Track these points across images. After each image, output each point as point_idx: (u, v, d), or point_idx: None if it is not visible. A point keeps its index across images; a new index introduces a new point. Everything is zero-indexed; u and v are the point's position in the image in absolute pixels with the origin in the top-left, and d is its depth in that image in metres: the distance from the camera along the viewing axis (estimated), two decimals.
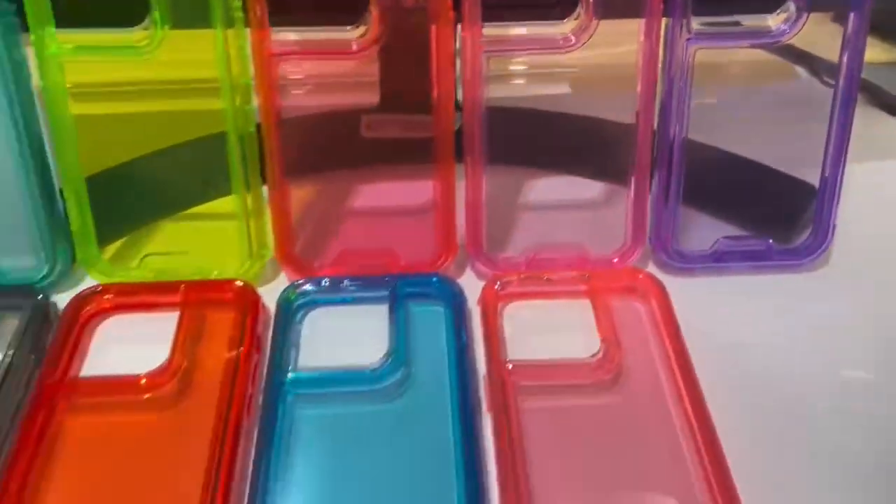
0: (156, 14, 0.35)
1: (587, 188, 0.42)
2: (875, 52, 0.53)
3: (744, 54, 0.39)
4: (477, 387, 0.34)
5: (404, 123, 0.43)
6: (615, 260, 0.39)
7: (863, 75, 0.37)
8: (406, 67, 0.38)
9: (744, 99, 0.42)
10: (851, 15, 0.36)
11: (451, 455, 0.31)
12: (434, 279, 0.38)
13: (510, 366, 0.34)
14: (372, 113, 0.44)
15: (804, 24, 0.36)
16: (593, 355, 0.34)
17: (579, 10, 0.36)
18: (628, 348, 0.35)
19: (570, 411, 0.33)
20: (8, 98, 0.36)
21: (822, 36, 0.39)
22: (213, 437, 0.32)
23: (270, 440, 0.32)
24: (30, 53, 0.36)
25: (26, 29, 0.35)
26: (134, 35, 0.35)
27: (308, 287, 0.38)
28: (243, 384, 0.34)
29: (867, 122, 0.45)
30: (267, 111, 0.36)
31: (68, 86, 0.35)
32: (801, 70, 0.46)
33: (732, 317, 0.38)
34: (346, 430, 0.33)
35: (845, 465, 0.32)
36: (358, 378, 0.34)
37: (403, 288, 0.38)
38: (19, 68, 0.36)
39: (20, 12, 0.35)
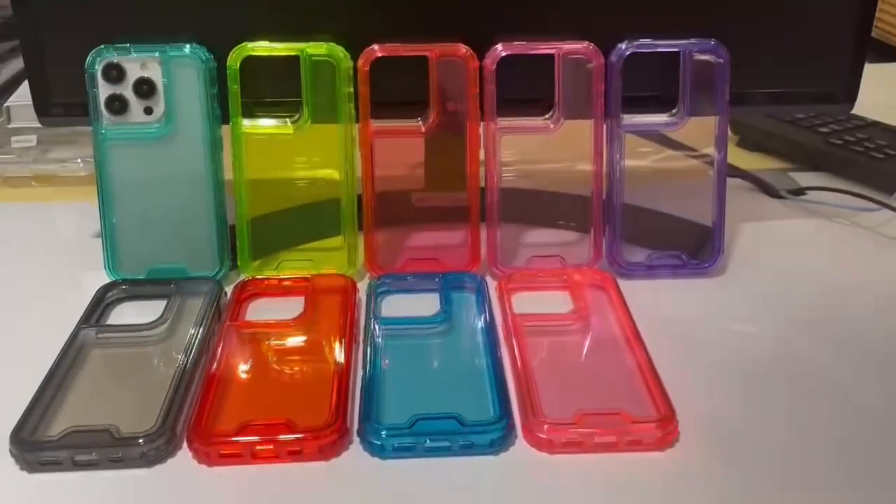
0: (305, 112, 0.59)
1: (564, 231, 0.66)
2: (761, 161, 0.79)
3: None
4: (496, 332, 0.54)
5: (441, 198, 0.66)
6: (584, 267, 0.61)
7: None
8: (451, 153, 0.61)
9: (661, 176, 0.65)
10: (717, 120, 0.59)
11: (484, 372, 0.52)
12: (467, 276, 0.60)
13: (518, 316, 0.55)
14: (419, 191, 0.67)
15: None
16: (570, 311, 0.55)
17: (553, 111, 0.60)
18: (593, 311, 0.56)
19: (557, 343, 0.54)
20: (211, 163, 0.59)
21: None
22: (334, 359, 0.52)
23: (370, 360, 0.52)
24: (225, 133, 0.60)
25: (225, 120, 0.59)
26: (289, 125, 0.59)
27: (384, 280, 0.60)
28: (350, 334, 0.54)
29: (754, 200, 0.71)
30: (367, 175, 0.59)
31: (246, 155, 0.59)
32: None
33: (658, 304, 0.59)
34: (415, 354, 0.53)
35: (734, 372, 0.52)
36: (422, 321, 0.55)
37: (448, 281, 0.59)
38: (217, 143, 0.59)
39: (223, 109, 0.59)
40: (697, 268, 0.62)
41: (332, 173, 0.59)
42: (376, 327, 0.54)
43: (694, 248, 0.62)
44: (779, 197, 0.74)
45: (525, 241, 0.65)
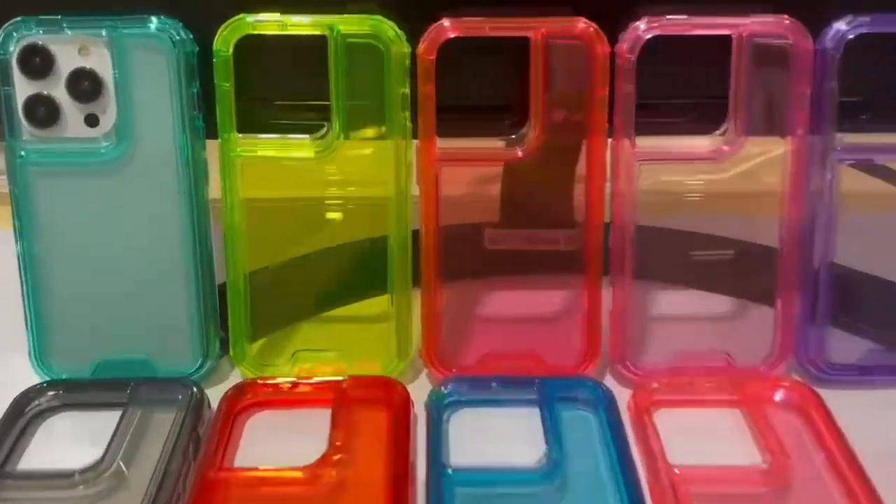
0: (335, 123, 0.37)
1: (727, 302, 0.42)
2: None
3: (876, 181, 0.41)
4: (641, 492, 0.33)
5: (527, 238, 0.45)
6: (761, 369, 0.39)
7: None
8: (557, 180, 0.40)
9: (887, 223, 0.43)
10: None
11: None
12: (587, 383, 0.38)
13: (677, 470, 0.33)
14: (494, 227, 0.46)
15: None
16: (761, 464, 0.34)
17: (726, 126, 0.38)
18: (793, 457, 0.34)
19: None
20: (188, 196, 0.38)
21: None
22: None
23: None
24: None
25: (211, 135, 0.38)
26: (311, 143, 0.38)
27: (455, 386, 0.38)
28: (401, 480, 0.33)
29: None
30: (428, 216, 0.38)
31: (243, 186, 0.38)
32: None
33: (884, 429, 0.37)
34: None
35: None
36: (520, 478, 0.34)
37: (553, 390, 0.38)
38: (200, 169, 0.38)
39: (208, 117, 0.38)
40: None
41: (375, 209, 0.38)
42: (445, 486, 0.33)
43: None
44: None
45: (671, 321, 0.42)
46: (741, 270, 0.42)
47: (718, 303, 0.43)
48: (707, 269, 0.41)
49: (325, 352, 0.40)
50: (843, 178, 0.38)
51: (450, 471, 0.33)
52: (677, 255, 0.41)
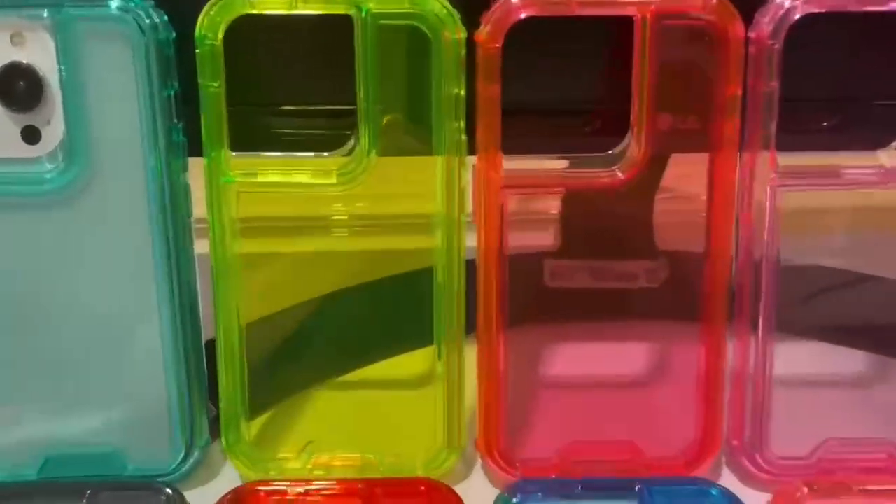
0: (364, 135, 0.27)
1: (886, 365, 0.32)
2: None
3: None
4: None
5: (596, 271, 0.35)
6: None
7: None
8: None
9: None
10: None
11: None
12: (712, 490, 0.28)
13: None
14: (556, 258, 0.37)
15: None
16: None
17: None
18: None
19: None
20: (163, 232, 0.28)
21: None
22: None
23: None
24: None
25: (195, 152, 0.29)
26: (331, 161, 0.28)
27: (530, 492, 0.28)
28: None
29: None
30: (488, 250, 0.28)
31: (239, 219, 0.28)
32: None
33: None
34: None
35: None
36: None
37: (660, 498, 0.28)
38: (178, 195, 0.28)
39: (189, 130, 0.29)
40: None
41: (415, 239, 0.29)
42: None
43: None
44: None
45: (820, 390, 0.32)
46: None
47: (884, 368, 0.32)
48: (869, 324, 0.31)
49: (345, 438, 0.30)
50: None
51: None
52: (824, 299, 0.31)
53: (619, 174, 0.28)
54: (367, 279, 0.31)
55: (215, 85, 0.27)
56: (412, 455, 0.30)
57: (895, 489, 0.28)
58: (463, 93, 0.27)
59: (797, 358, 0.30)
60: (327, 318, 0.32)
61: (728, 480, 0.30)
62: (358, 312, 0.32)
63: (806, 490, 0.28)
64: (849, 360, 0.32)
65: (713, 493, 0.28)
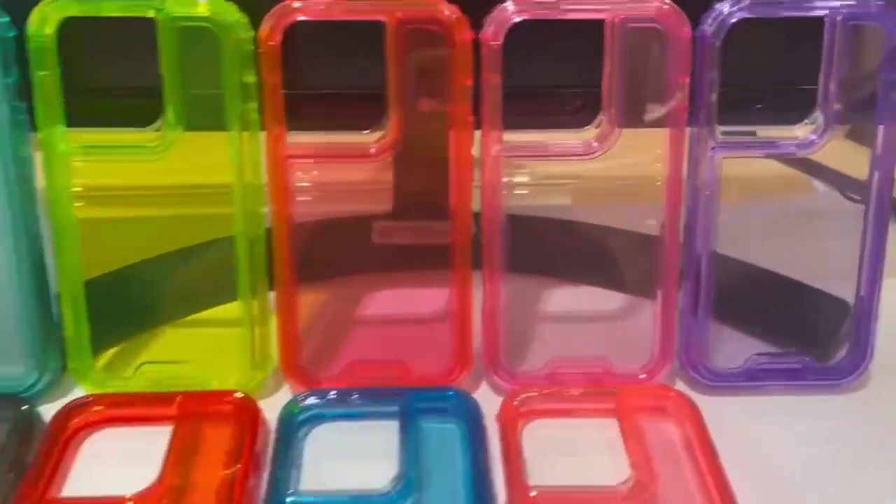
0: (170, 115, 0.34)
1: (610, 300, 0.40)
2: None
3: (759, 167, 0.39)
4: None
5: (417, 230, 0.42)
6: (641, 376, 0.37)
7: None
8: (423, 173, 0.38)
9: (769, 212, 0.41)
10: (881, 129, 0.36)
11: None
12: (450, 393, 0.35)
13: (534, 492, 0.31)
14: (384, 219, 0.43)
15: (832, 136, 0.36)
16: (624, 482, 0.32)
17: (601, 117, 0.36)
18: (661, 474, 0.32)
19: None
20: (9, 197, 0.34)
21: (837, 150, 0.38)
22: None
23: None
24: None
25: (35, 128, 0.35)
26: (145, 135, 0.34)
27: (313, 400, 0.35)
28: None
29: None
30: (279, 215, 0.35)
31: (74, 187, 0.34)
32: (818, 184, 0.45)
33: (768, 440, 0.35)
34: None
35: None
36: (365, 503, 0.31)
37: (416, 402, 0.35)
38: (24, 166, 0.35)
39: (30, 109, 0.34)
40: (830, 378, 0.38)
41: (221, 205, 0.35)
42: None
43: (824, 343, 0.39)
44: None
45: (549, 321, 0.40)
46: (620, 262, 0.39)
47: (598, 298, 0.40)
48: (589, 263, 0.39)
49: (174, 364, 0.37)
50: (727, 165, 0.36)
51: (288, 499, 0.31)
52: (555, 247, 0.39)
53: (372, 147, 0.35)
54: (188, 242, 0.37)
55: (45, 73, 0.33)
56: (228, 375, 0.36)
57: (606, 391, 0.36)
58: (252, 80, 0.33)
59: (528, 293, 0.38)
60: (157, 275, 0.39)
61: (483, 391, 0.37)
62: (184, 270, 0.39)
63: (523, 396, 0.35)
64: (571, 293, 0.40)
65: (450, 394, 0.35)
